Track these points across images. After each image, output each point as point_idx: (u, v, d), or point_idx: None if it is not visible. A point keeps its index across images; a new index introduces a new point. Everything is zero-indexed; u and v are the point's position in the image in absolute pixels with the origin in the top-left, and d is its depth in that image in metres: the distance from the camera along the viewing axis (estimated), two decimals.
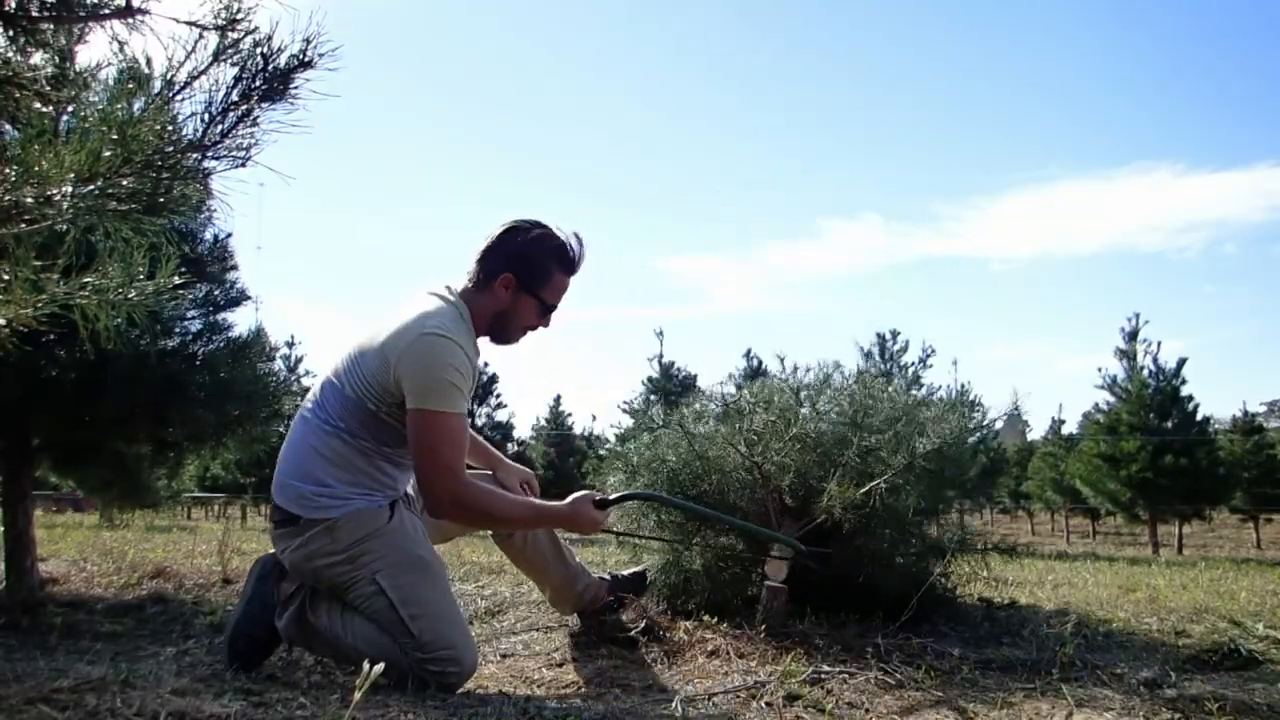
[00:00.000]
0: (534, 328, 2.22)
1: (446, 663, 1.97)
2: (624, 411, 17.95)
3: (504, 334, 2.20)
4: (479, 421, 17.97)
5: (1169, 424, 14.00)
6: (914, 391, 3.07)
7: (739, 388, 3.15)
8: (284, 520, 2.07)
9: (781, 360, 3.54)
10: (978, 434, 2.92)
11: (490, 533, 2.54)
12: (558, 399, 21.10)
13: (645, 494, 2.64)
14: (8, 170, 1.52)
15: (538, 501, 2.28)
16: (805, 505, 2.79)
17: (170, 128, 1.61)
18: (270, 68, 1.62)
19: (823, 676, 2.14)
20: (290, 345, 18.36)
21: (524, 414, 56.76)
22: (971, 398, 17.07)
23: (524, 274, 2.13)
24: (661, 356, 18.04)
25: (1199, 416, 14.22)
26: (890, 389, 3.05)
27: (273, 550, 2.21)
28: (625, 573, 2.74)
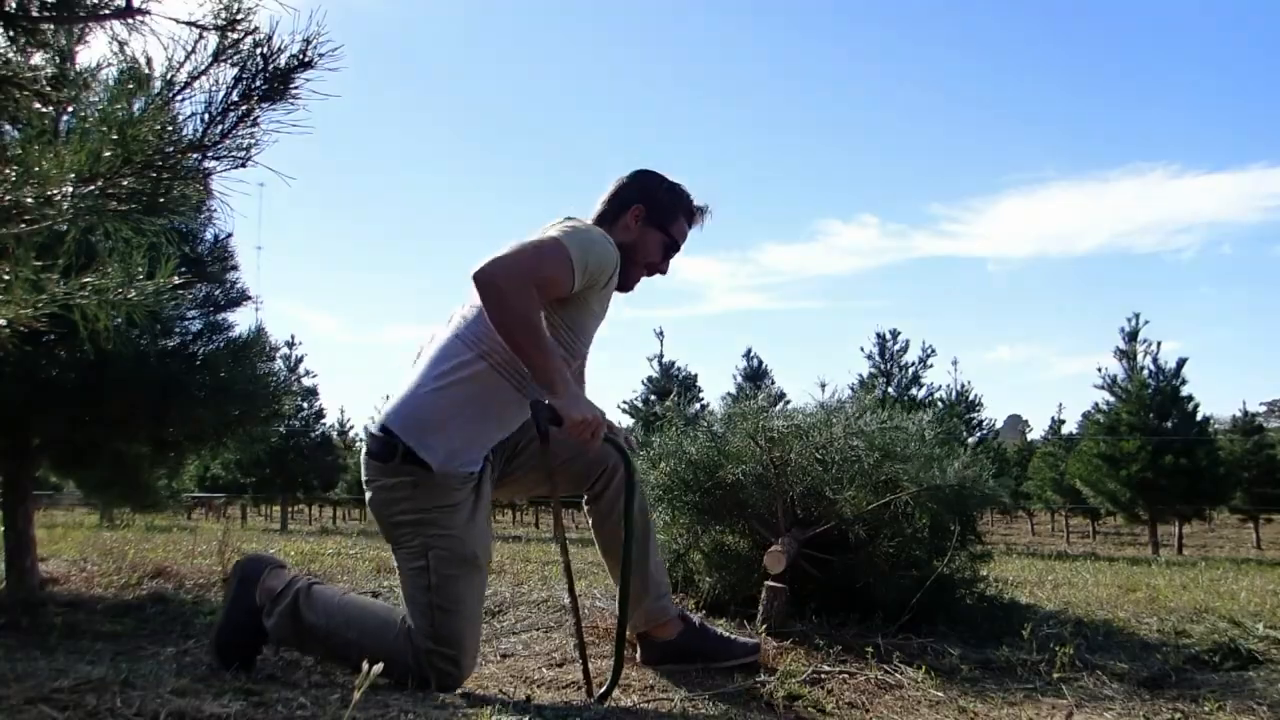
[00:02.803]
0: (655, 266, 2.19)
1: (450, 661, 1.96)
2: (623, 411, 17.96)
3: (627, 271, 2.14)
4: None
5: (1169, 424, 13.99)
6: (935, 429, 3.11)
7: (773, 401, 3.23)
8: (381, 452, 1.99)
9: (822, 386, 3.76)
10: (991, 483, 2.96)
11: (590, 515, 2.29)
12: None
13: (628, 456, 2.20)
14: (8, 170, 1.52)
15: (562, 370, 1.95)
16: (813, 512, 2.84)
17: (170, 128, 1.61)
18: (270, 68, 1.62)
19: (823, 676, 2.15)
20: (290, 345, 18.35)
21: None
22: (971, 398, 17.12)
23: (653, 207, 2.16)
24: (661, 356, 18.06)
25: (1199, 416, 14.21)
26: (923, 423, 3.06)
27: (255, 554, 2.20)
28: (724, 632, 2.35)
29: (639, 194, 2.17)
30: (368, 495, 2.06)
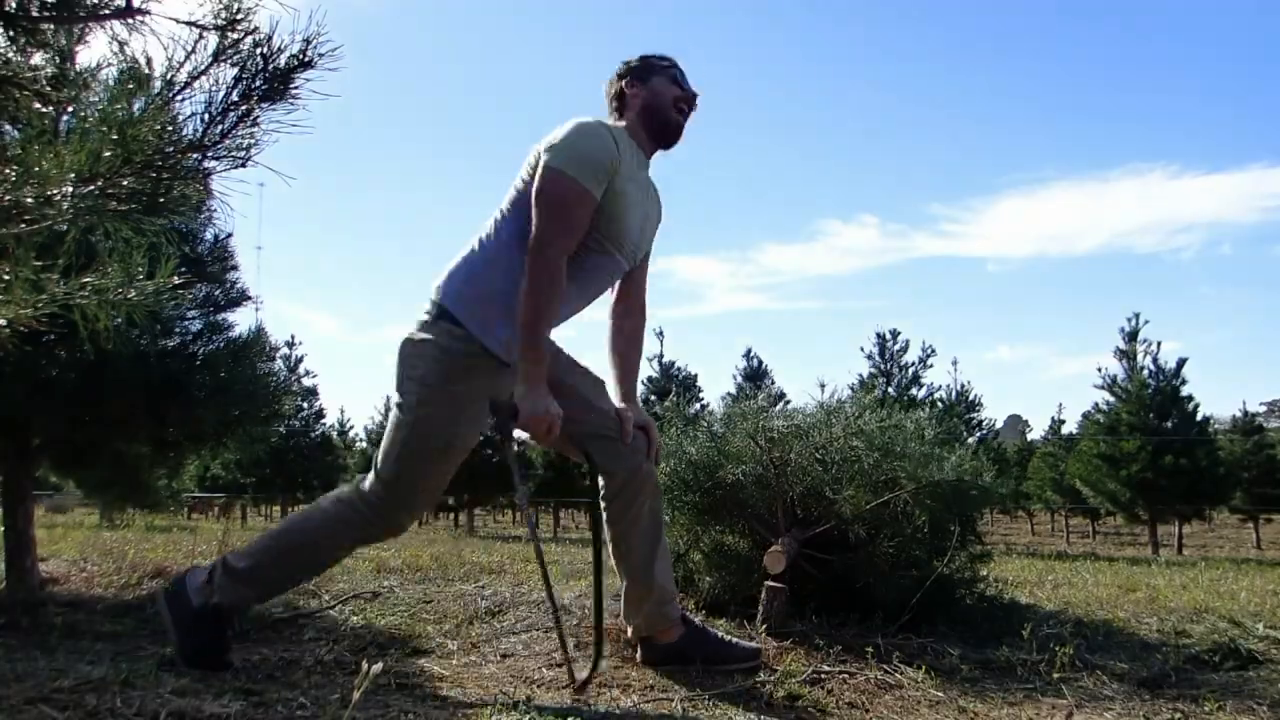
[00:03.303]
0: (680, 98, 2.21)
1: (388, 518, 2.09)
2: None
3: (663, 120, 2.21)
4: None
5: (1169, 424, 14.00)
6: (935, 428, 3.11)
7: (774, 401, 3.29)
8: (427, 312, 2.07)
9: (822, 386, 3.81)
10: (989, 484, 2.97)
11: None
12: None
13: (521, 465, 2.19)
14: (8, 170, 1.52)
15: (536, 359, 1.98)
16: (812, 513, 2.84)
17: (170, 128, 1.61)
18: (270, 68, 1.62)
19: (823, 676, 2.15)
20: (290, 345, 18.36)
21: None
22: (971, 398, 17.12)
23: (635, 72, 2.24)
24: (661, 356, 18.07)
25: (1199, 416, 14.21)
26: (922, 421, 3.07)
27: (173, 576, 2.33)
28: (725, 635, 2.33)
29: (619, 78, 2.27)
30: (399, 344, 2.08)
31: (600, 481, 2.24)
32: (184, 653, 2.12)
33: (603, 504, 2.27)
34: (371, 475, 2.10)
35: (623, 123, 2.22)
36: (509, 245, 2.06)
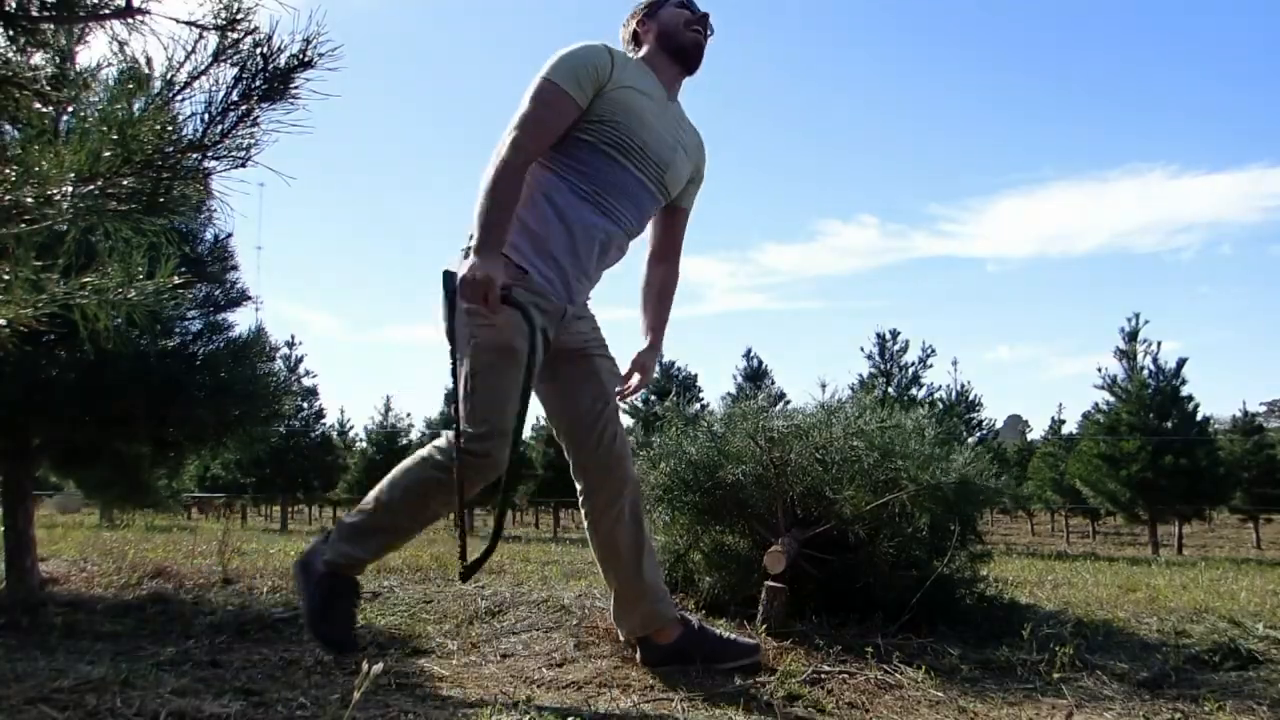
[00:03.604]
0: (690, 21, 2.25)
1: (482, 443, 2.02)
2: (623, 412, 17.95)
3: (678, 43, 2.25)
4: None
5: (1169, 424, 13.99)
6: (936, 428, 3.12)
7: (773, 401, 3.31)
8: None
9: (823, 386, 3.83)
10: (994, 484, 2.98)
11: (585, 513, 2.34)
12: None
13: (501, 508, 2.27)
14: (8, 170, 1.52)
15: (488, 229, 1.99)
16: (813, 513, 2.84)
17: (170, 128, 1.61)
18: (270, 68, 1.62)
19: (823, 676, 2.15)
20: (290, 345, 18.35)
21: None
22: (971, 398, 17.11)
23: (647, 9, 2.31)
24: (662, 356, 18.05)
25: (1199, 416, 14.21)
26: (922, 421, 3.07)
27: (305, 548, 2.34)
28: (724, 633, 2.34)
29: (630, 17, 2.34)
30: (441, 275, 2.11)
31: (578, 485, 2.28)
32: (310, 622, 2.17)
33: (582, 507, 2.29)
34: (456, 424, 2.08)
35: (638, 58, 2.25)
36: (537, 192, 2.10)
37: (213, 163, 1.66)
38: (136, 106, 1.62)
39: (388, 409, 21.26)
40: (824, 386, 3.71)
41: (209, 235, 3.43)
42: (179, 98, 1.62)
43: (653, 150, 2.16)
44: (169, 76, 1.61)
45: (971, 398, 17.25)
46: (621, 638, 2.37)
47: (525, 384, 2.02)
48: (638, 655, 2.29)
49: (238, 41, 1.59)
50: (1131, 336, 14.72)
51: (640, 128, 2.12)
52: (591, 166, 2.10)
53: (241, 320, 3.66)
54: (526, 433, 21.43)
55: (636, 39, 2.31)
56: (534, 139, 2.02)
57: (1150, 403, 14.11)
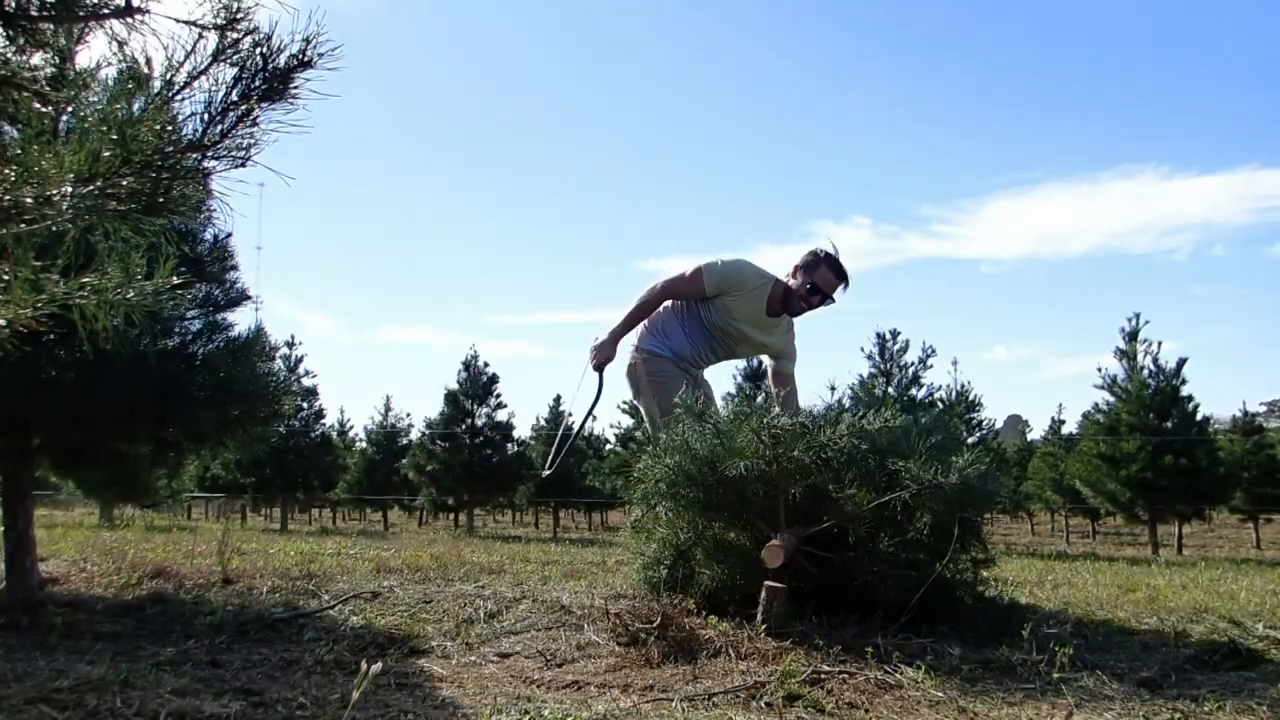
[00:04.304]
0: (804, 298, 3.63)
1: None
2: (624, 411, 17.96)
3: (789, 305, 3.68)
4: (478, 422, 17.97)
5: (1169, 424, 13.98)
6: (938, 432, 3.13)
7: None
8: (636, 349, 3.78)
9: (832, 389, 4.28)
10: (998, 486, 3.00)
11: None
12: (558, 399, 21.13)
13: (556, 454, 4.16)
14: (8, 170, 1.52)
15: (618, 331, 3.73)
16: (814, 511, 2.83)
17: (170, 128, 1.60)
18: (270, 67, 1.61)
19: (823, 676, 2.14)
20: (290, 345, 18.33)
21: (524, 414, 56.97)
22: (971, 398, 17.10)
23: (805, 266, 3.66)
24: None
25: (1199, 416, 14.20)
26: (924, 421, 3.09)
27: None
28: None
29: (807, 253, 3.69)
30: (625, 369, 3.80)
31: None
32: None
33: None
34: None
35: (781, 279, 3.66)
36: (666, 313, 3.78)
37: (212, 163, 1.66)
38: (136, 106, 1.61)
39: (388, 409, 21.27)
40: (833, 388, 3.81)
41: (209, 235, 3.43)
42: (179, 98, 1.62)
43: (735, 332, 3.72)
44: (168, 76, 1.60)
45: (971, 398, 17.24)
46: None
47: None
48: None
49: (237, 41, 1.59)
50: (1131, 336, 14.71)
51: (732, 322, 3.67)
52: (695, 312, 3.74)
53: (241, 320, 3.65)
54: (526, 432, 21.46)
55: (794, 270, 3.64)
56: (670, 292, 3.72)
57: (1150, 403, 14.10)
